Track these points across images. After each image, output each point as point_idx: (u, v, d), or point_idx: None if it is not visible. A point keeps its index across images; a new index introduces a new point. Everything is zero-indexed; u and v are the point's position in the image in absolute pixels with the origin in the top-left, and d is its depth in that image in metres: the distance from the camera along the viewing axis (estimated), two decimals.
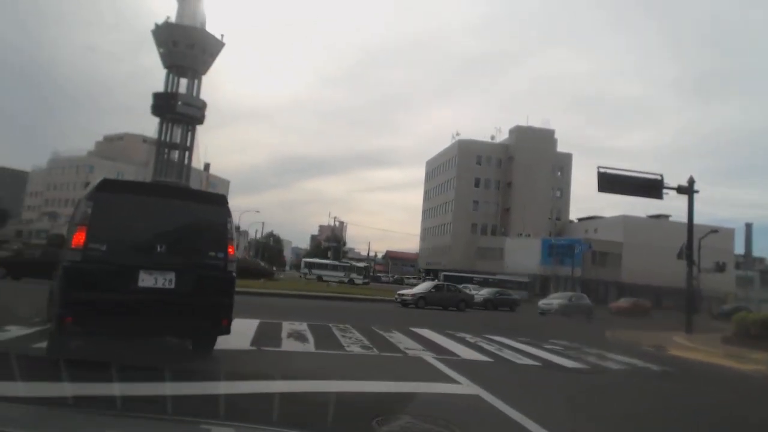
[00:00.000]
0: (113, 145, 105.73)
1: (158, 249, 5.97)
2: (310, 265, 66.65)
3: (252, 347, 7.77)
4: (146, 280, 5.82)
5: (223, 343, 7.88)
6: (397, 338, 10.33)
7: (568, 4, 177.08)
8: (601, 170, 21.46)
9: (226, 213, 6.47)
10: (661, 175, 21.97)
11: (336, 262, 69.51)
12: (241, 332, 9.30)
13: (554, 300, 33.75)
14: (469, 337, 11.77)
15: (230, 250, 6.32)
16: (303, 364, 6.79)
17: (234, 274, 6.41)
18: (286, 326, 10.74)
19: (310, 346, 8.33)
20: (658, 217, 77.69)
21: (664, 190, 21.90)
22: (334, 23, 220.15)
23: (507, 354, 9.56)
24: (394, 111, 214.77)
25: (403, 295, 27.14)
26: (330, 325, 11.75)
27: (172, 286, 5.89)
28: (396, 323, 14.38)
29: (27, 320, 8.15)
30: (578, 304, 32.98)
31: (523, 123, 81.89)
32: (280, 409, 4.00)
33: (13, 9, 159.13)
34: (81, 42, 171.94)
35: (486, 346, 10.34)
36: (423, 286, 30.48)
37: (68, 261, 5.73)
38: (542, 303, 33.19)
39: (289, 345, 8.30)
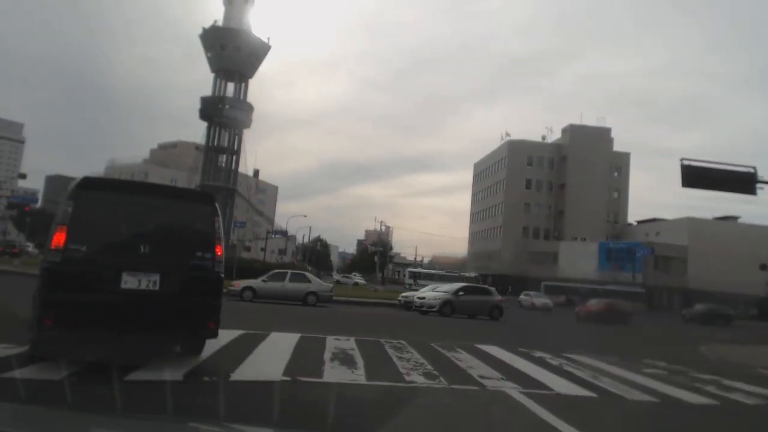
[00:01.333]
0: (167, 152, 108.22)
1: (142, 249, 5.74)
2: (415, 276, 60.24)
3: (285, 377, 6.03)
4: (129, 281, 5.63)
5: (251, 370, 6.29)
6: (465, 360, 8.42)
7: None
8: (686, 162, 18.76)
9: (214, 212, 6.18)
10: (755, 168, 19.13)
11: (443, 272, 62.32)
12: (277, 352, 7.72)
13: (431, 293, 24.53)
14: (549, 358, 9.74)
15: (218, 250, 6.02)
16: (352, 409, 5.01)
17: (222, 275, 6.16)
18: (331, 343, 9.04)
19: (359, 375, 6.52)
20: (725, 218, 72.66)
21: (758, 185, 19.08)
22: (379, 28, 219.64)
23: (607, 384, 7.52)
24: (440, 115, 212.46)
25: (230, 287, 21.72)
26: (382, 341, 9.96)
27: (157, 287, 5.70)
28: (455, 337, 12.47)
29: (20, 335, 6.70)
30: (472, 300, 23.59)
31: (573, 123, 77.99)
32: None
33: (74, 29, 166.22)
34: (138, 55, 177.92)
35: (576, 372, 8.31)
36: (261, 278, 23.94)
37: (48, 262, 5.51)
38: (417, 298, 24.56)
39: (333, 373, 6.51)
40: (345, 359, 7.41)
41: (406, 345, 9.49)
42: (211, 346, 6.84)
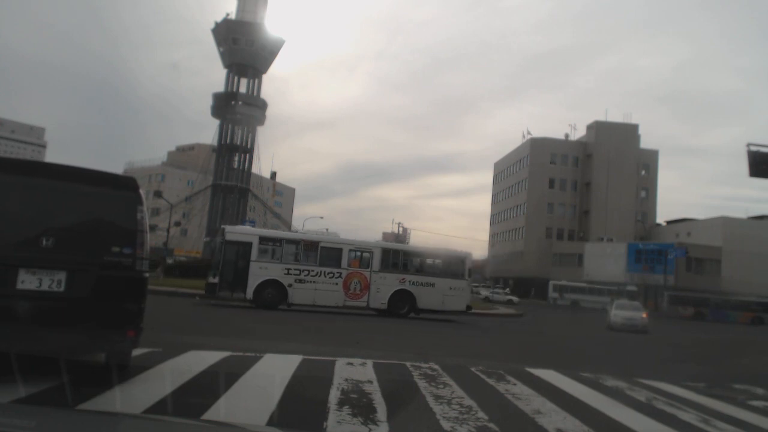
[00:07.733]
0: (185, 154, 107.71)
1: (45, 242, 4.80)
2: (561, 289, 54.62)
3: (268, 430, 3.90)
4: (28, 280, 4.73)
5: (226, 412, 4.26)
6: (524, 396, 6.17)
7: None
8: (753, 149, 16.41)
9: (136, 199, 5.24)
10: None
11: (595, 285, 55.36)
12: (268, 380, 5.88)
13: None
14: (626, 388, 7.45)
15: (140, 245, 5.12)
16: None
17: (146, 274, 5.26)
18: (341, 369, 6.88)
19: None
20: (761, 218, 69.28)
21: None
22: (396, 27, 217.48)
23: None
24: (459, 115, 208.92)
25: None
26: (407, 364, 7.78)
27: (62, 288, 4.81)
28: (494, 354, 10.26)
29: None
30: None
31: (598, 120, 74.95)
32: None
33: (93, 36, 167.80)
34: (159, 60, 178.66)
35: (677, 414, 6.03)
36: None
37: None
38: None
39: (339, 430, 4.32)
40: (359, 402, 5.18)
41: (440, 372, 7.26)
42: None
